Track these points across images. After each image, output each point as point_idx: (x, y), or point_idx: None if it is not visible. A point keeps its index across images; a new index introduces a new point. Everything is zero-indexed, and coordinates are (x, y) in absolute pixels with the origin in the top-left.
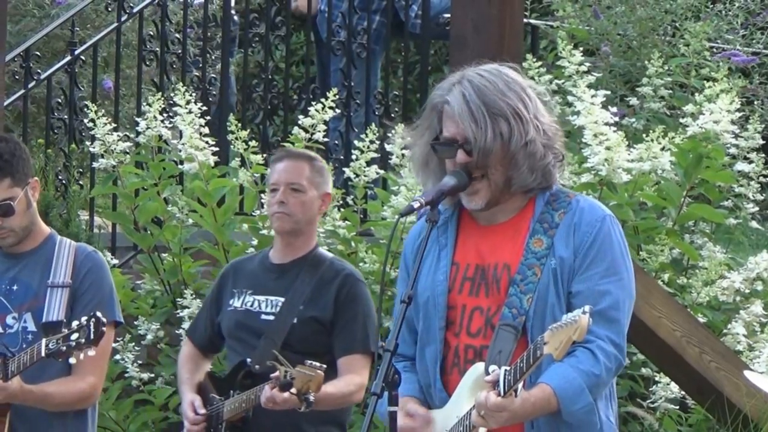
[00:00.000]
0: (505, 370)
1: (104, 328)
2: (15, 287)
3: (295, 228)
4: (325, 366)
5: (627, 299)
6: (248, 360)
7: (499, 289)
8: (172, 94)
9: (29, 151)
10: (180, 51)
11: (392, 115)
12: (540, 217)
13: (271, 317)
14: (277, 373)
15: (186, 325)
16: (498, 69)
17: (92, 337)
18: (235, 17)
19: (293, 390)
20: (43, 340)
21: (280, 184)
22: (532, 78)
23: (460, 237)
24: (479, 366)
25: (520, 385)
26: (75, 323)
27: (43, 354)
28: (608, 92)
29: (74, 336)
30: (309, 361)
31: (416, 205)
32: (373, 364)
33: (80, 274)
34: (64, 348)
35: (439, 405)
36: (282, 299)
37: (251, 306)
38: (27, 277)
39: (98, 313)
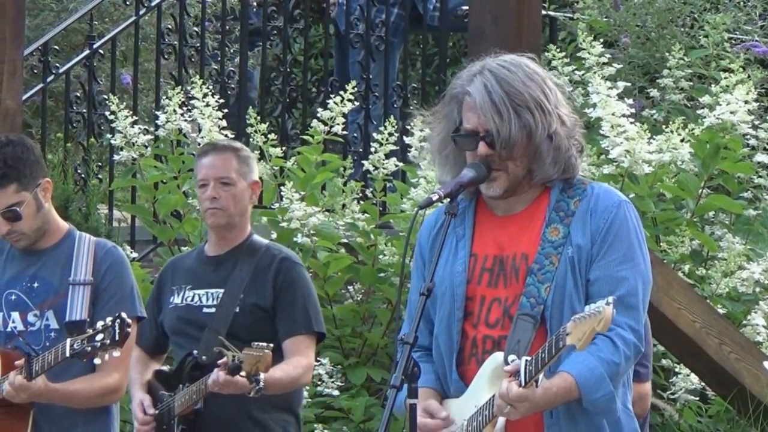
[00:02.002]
0: (526, 360)
1: (129, 329)
2: (36, 285)
3: (230, 222)
4: (272, 345)
5: (644, 285)
6: (195, 351)
7: (518, 279)
8: (190, 88)
9: (44, 148)
10: (198, 44)
11: (411, 107)
12: (556, 206)
13: (213, 309)
14: (224, 359)
15: None
16: (518, 60)
17: (117, 338)
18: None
19: (242, 373)
20: (68, 341)
21: (209, 179)
22: (555, 69)
23: (478, 227)
24: (498, 356)
25: (541, 376)
26: (100, 324)
27: (67, 354)
28: (628, 84)
29: (99, 337)
30: (255, 343)
31: (435, 197)
32: (318, 343)
33: (101, 271)
34: (89, 349)
35: (455, 394)
36: (222, 291)
37: (192, 300)
38: (47, 274)
39: (123, 314)
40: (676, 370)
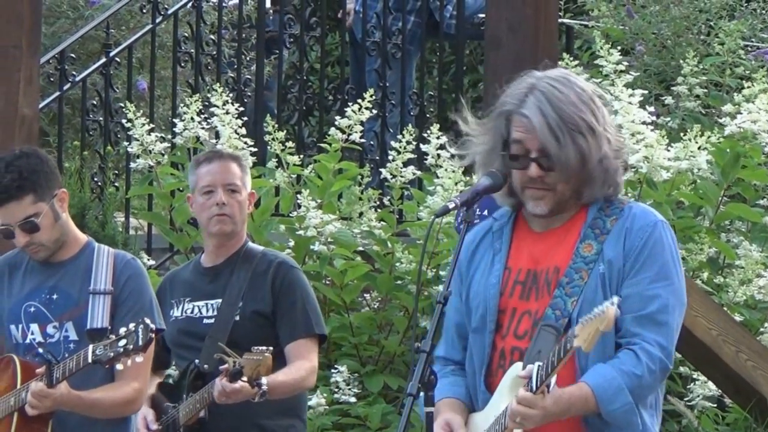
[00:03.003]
0: (538, 365)
1: (152, 335)
2: (55, 296)
3: (234, 229)
4: (272, 348)
5: (677, 305)
6: (196, 361)
7: (550, 292)
8: (207, 95)
9: (64, 156)
10: (215, 52)
11: (427, 115)
12: (592, 223)
13: (213, 320)
14: (226, 366)
15: None
16: (567, 78)
17: (140, 343)
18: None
19: (244, 378)
20: (90, 347)
21: (217, 185)
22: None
23: (514, 243)
24: (518, 365)
25: (552, 380)
26: (123, 329)
27: (90, 360)
28: (643, 91)
29: (122, 342)
30: (255, 347)
31: (451, 205)
32: (320, 345)
33: (120, 282)
34: (112, 354)
35: (482, 407)
36: (220, 300)
37: (191, 312)
38: (67, 286)
39: (146, 319)
40: (694, 376)
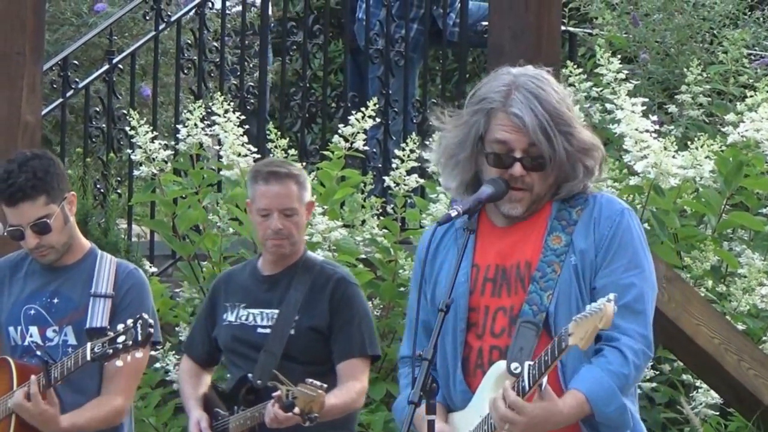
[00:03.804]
0: (529, 364)
1: (151, 329)
2: (56, 300)
3: (292, 249)
4: (326, 385)
5: (650, 291)
6: (250, 375)
7: (524, 288)
8: (210, 103)
9: (67, 162)
10: (218, 59)
11: (430, 123)
12: (557, 215)
13: (268, 330)
14: (279, 393)
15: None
16: (545, 77)
17: (139, 338)
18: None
19: (296, 410)
20: (88, 344)
21: (273, 210)
22: (573, 85)
23: (479, 238)
24: (501, 364)
25: (544, 380)
26: (120, 326)
27: (88, 357)
28: (646, 99)
29: (120, 339)
30: (310, 380)
31: (454, 213)
32: (372, 365)
33: (122, 290)
34: (110, 351)
35: (461, 406)
36: (276, 311)
37: (246, 320)
38: (68, 290)
39: (144, 315)
40: (697, 384)
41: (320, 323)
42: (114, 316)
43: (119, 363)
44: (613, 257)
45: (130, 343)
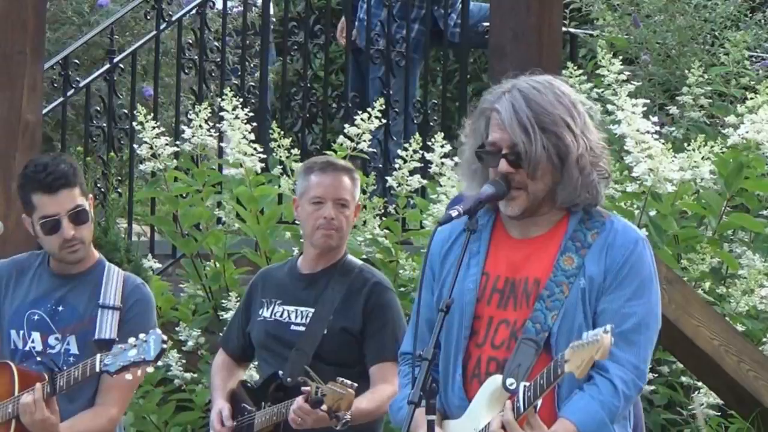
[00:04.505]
0: (524, 386)
1: (164, 345)
2: (61, 308)
3: (339, 244)
4: (356, 385)
5: (652, 323)
6: (280, 372)
7: (528, 304)
8: (212, 102)
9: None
10: (219, 59)
11: (431, 123)
12: (572, 235)
13: (302, 328)
14: (308, 389)
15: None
16: (550, 81)
17: (152, 354)
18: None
19: (324, 407)
20: (98, 356)
21: (327, 199)
22: (573, 86)
23: (492, 247)
24: (496, 378)
25: (538, 403)
26: (132, 339)
27: (97, 369)
28: (647, 101)
29: (132, 353)
30: (341, 379)
31: (454, 213)
32: None
33: (128, 303)
34: (121, 364)
35: (455, 413)
36: (311, 310)
37: (281, 316)
38: (74, 299)
39: (158, 330)
40: (698, 385)
41: (353, 326)
42: (119, 329)
43: (129, 377)
44: (620, 284)
45: (143, 357)
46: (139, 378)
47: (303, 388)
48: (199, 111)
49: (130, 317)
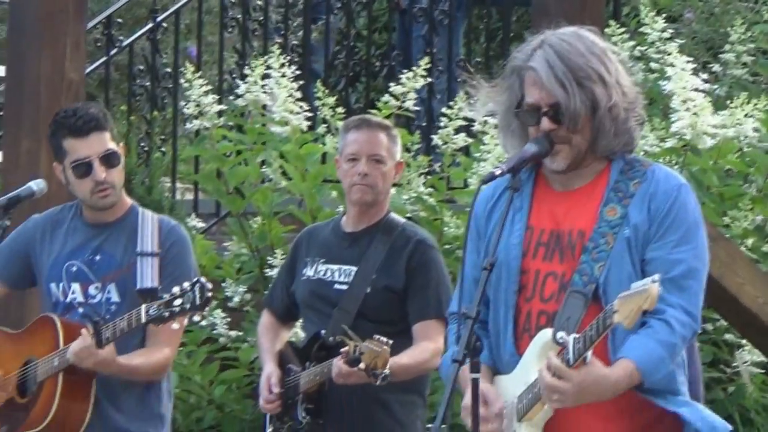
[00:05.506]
0: (574, 338)
1: (210, 294)
2: (98, 257)
3: (375, 199)
4: (391, 341)
5: (701, 268)
6: (322, 332)
7: (574, 256)
8: (255, 60)
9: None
10: (262, 18)
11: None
12: (614, 186)
13: (344, 287)
14: (347, 348)
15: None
16: (578, 32)
17: (198, 302)
18: None
19: (362, 366)
20: (143, 306)
21: (361, 155)
22: (615, 44)
23: (535, 201)
24: (547, 332)
25: (589, 353)
26: (176, 288)
27: (143, 320)
28: (691, 59)
29: (177, 302)
30: (377, 336)
31: (497, 172)
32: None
33: (165, 246)
34: (167, 314)
35: (507, 369)
36: (354, 268)
37: (324, 275)
38: (110, 247)
39: (202, 279)
40: (742, 342)
41: (396, 284)
42: (159, 274)
43: (175, 326)
44: (666, 231)
45: (188, 306)
46: (184, 324)
47: (342, 350)
48: (256, 67)
49: (169, 260)
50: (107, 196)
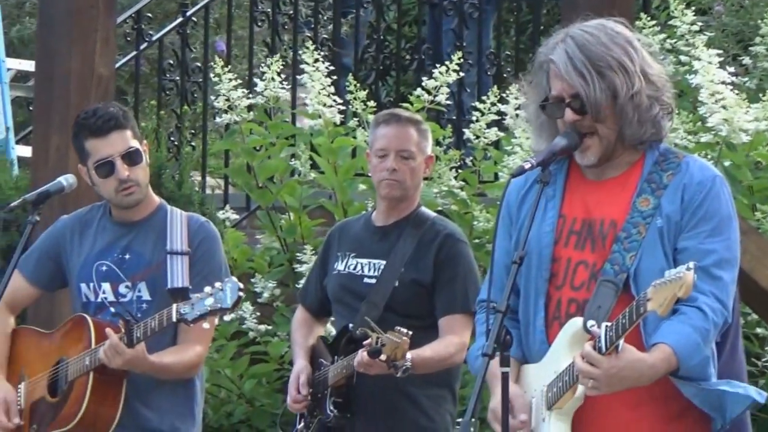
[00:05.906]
0: (606, 326)
1: (241, 294)
2: (127, 256)
3: (404, 194)
4: (410, 332)
5: (732, 260)
6: (350, 325)
7: (605, 245)
8: (283, 55)
9: (137, 115)
10: (292, 11)
11: (504, 75)
12: (648, 177)
13: (373, 280)
14: (369, 340)
15: (303, 281)
16: (602, 23)
17: (229, 302)
18: None
19: (383, 357)
20: (174, 306)
21: (390, 151)
22: (646, 37)
23: (568, 189)
24: (577, 321)
25: (621, 341)
26: (207, 288)
27: (174, 318)
28: (720, 51)
29: (208, 301)
30: (398, 327)
31: (527, 165)
32: None
33: (195, 243)
34: (198, 313)
35: (536, 357)
36: (383, 262)
37: (354, 269)
38: (139, 246)
39: (234, 278)
40: None
41: (424, 277)
42: (189, 272)
43: (206, 325)
44: (699, 222)
45: (219, 306)
46: (215, 323)
47: (364, 342)
48: (272, 63)
49: (198, 256)
50: (132, 194)
